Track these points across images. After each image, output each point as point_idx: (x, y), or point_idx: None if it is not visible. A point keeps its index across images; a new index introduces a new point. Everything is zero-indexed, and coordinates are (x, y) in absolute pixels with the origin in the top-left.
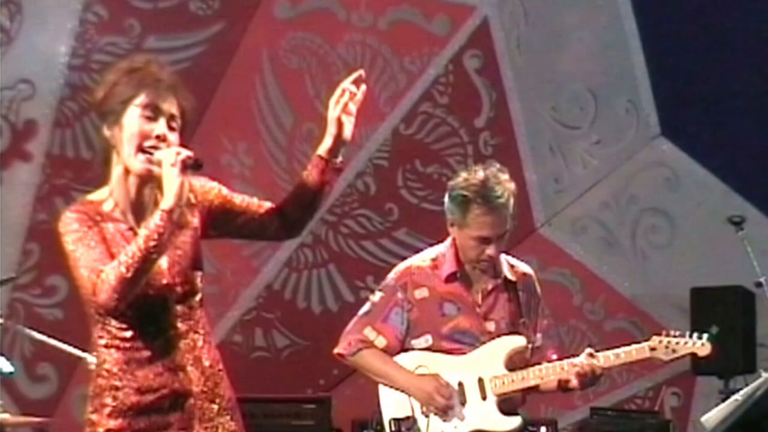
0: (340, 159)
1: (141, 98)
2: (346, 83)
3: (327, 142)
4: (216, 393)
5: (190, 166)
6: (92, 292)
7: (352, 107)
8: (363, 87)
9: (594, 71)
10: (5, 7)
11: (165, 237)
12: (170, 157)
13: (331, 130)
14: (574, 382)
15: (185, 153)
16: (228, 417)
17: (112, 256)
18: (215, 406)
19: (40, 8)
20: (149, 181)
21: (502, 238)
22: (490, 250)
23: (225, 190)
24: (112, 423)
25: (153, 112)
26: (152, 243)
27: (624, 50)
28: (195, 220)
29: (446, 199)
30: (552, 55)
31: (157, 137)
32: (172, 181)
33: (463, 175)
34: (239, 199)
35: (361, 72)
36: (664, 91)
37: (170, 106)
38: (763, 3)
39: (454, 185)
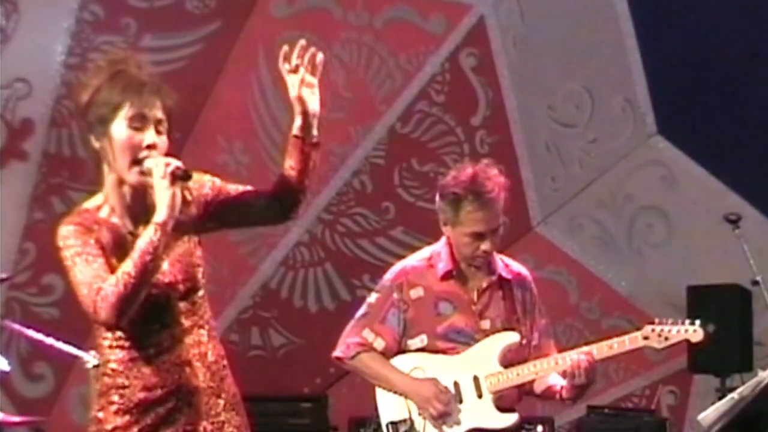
0: (315, 134)
1: (126, 109)
2: (290, 57)
3: (297, 121)
4: (222, 388)
5: (180, 177)
6: (93, 311)
7: (311, 78)
8: (319, 55)
9: (590, 70)
10: (1, 6)
11: (160, 249)
12: (160, 169)
13: (297, 109)
14: (564, 386)
15: (174, 164)
16: (234, 412)
17: (111, 265)
18: (221, 401)
19: (36, 7)
20: (138, 186)
21: (496, 232)
22: (484, 246)
23: (218, 182)
24: (119, 420)
25: (140, 121)
26: (148, 257)
27: (620, 49)
28: (192, 217)
29: (437, 199)
30: (548, 53)
31: (148, 147)
32: (163, 193)
33: (453, 173)
34: (233, 189)
35: (302, 42)
36: (661, 89)
37: (156, 111)
38: (760, 1)
39: (444, 184)
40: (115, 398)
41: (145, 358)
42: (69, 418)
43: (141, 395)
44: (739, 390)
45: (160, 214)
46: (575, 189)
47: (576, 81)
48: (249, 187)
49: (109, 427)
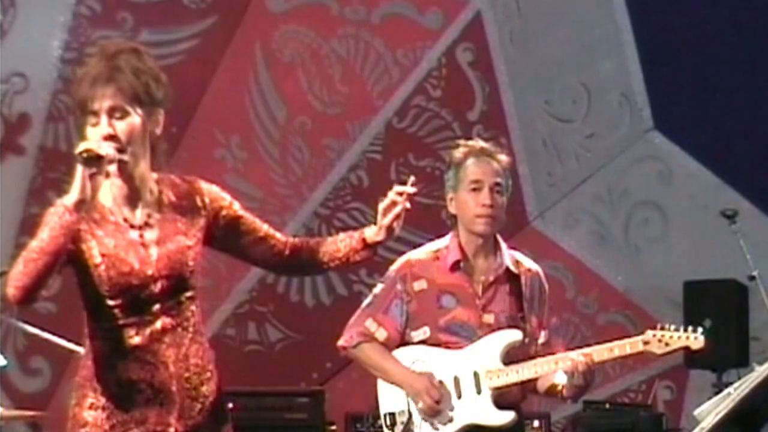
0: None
1: (86, 110)
2: (396, 195)
3: (376, 236)
4: (200, 392)
5: (84, 160)
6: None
7: (402, 213)
8: (412, 189)
9: (587, 65)
10: None
11: (65, 230)
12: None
13: (381, 233)
14: (565, 385)
15: (82, 147)
16: (211, 418)
17: (81, 246)
18: (198, 405)
19: (33, 2)
20: (125, 175)
21: (498, 192)
22: (484, 198)
23: (237, 206)
24: (92, 415)
25: (94, 117)
26: (51, 235)
27: (617, 43)
28: (199, 223)
29: (444, 176)
30: (545, 48)
31: (105, 138)
32: (77, 175)
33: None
34: (250, 220)
35: (413, 179)
36: (657, 84)
37: (107, 100)
38: None
39: (449, 155)
40: (90, 392)
41: (121, 353)
42: (65, 412)
43: (113, 391)
44: (735, 385)
45: (69, 196)
46: (572, 184)
47: (573, 76)
48: (266, 226)
49: (82, 422)
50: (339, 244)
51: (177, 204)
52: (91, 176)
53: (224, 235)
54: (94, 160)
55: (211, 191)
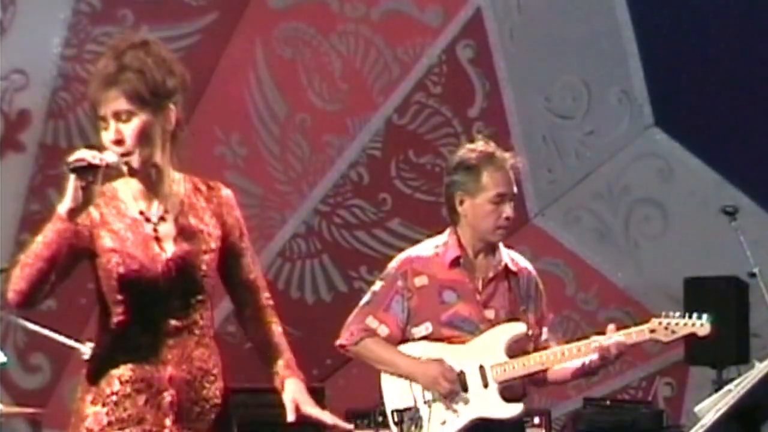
0: None
1: (99, 114)
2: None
3: (287, 400)
4: (201, 396)
5: (72, 170)
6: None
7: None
8: None
9: (587, 61)
10: None
11: (58, 237)
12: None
13: (290, 416)
14: (594, 360)
15: (72, 157)
16: (210, 423)
17: (82, 238)
18: (197, 409)
19: None
20: (139, 174)
21: (513, 201)
22: (507, 211)
23: (243, 241)
24: (93, 410)
25: (104, 121)
26: (44, 241)
27: (617, 40)
28: (216, 231)
29: (450, 175)
30: (545, 45)
31: (113, 143)
32: (69, 183)
33: (467, 146)
34: (246, 258)
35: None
36: (658, 81)
37: (112, 104)
38: None
39: (461, 156)
40: (93, 387)
41: (125, 350)
42: (66, 409)
43: (114, 388)
44: (735, 382)
45: (62, 204)
46: (572, 181)
47: (573, 73)
48: (262, 283)
49: (83, 416)
50: (274, 366)
51: (199, 208)
52: (86, 185)
53: (222, 256)
54: (86, 170)
55: (231, 208)
